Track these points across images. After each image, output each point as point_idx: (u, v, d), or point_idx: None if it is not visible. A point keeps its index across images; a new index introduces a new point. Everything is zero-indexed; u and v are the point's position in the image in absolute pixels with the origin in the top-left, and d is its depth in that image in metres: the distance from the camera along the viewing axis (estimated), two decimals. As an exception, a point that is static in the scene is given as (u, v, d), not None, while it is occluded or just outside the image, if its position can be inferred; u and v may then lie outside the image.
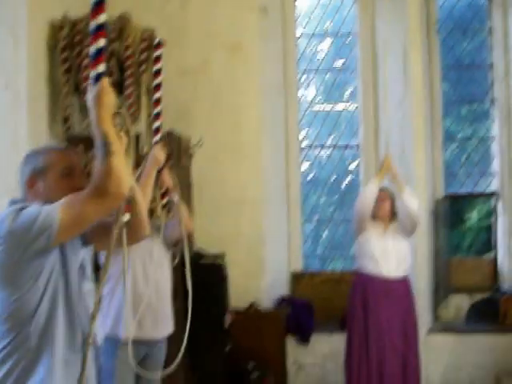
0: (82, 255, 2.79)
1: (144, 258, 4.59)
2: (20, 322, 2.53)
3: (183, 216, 4.62)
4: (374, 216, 5.81)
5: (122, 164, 2.42)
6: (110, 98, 2.46)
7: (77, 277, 2.69)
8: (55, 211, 2.45)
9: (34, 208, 2.51)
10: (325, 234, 8.26)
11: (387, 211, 5.80)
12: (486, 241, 8.09)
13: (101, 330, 4.45)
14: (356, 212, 5.88)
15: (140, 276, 4.54)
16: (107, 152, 2.39)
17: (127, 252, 4.38)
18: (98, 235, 2.83)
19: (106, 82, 2.45)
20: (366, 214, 5.75)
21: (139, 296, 4.45)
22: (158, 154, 4.55)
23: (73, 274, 2.67)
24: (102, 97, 2.42)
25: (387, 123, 7.34)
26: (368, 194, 5.78)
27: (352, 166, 8.02)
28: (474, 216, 8.50)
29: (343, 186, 8.16)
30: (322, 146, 7.97)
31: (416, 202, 5.80)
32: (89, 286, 2.78)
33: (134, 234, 2.90)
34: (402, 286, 5.67)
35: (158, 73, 4.41)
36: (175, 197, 4.59)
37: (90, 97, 2.45)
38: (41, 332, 2.54)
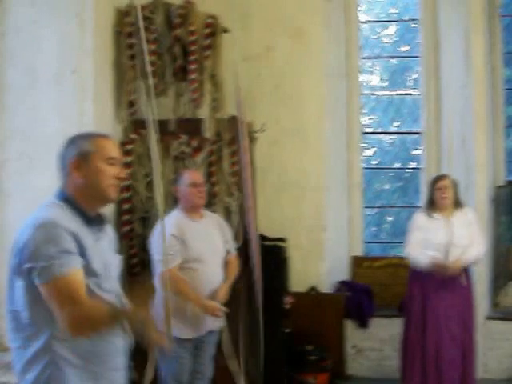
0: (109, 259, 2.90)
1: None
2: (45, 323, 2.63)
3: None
4: (436, 206, 5.79)
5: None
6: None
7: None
8: (49, 277, 2.55)
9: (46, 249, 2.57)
10: (387, 220, 8.27)
11: (448, 202, 5.75)
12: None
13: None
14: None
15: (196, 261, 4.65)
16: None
17: None
18: None
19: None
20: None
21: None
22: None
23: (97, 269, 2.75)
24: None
25: (449, 109, 7.29)
26: (420, 263, 5.73)
27: (415, 153, 8.00)
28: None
29: (406, 172, 8.16)
30: (385, 132, 7.97)
31: (478, 252, 5.77)
32: (113, 285, 2.88)
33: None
34: (461, 274, 5.66)
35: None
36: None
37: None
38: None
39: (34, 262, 2.54)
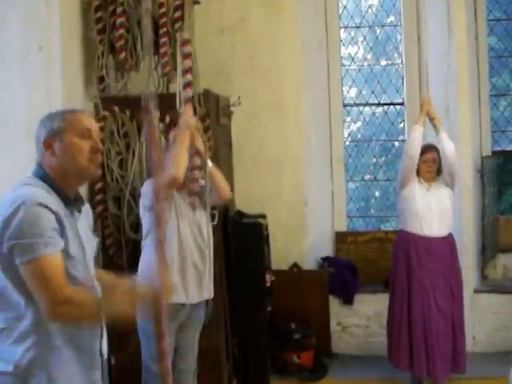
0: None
1: (189, 223, 4.51)
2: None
3: (218, 182, 4.56)
4: (418, 173, 5.65)
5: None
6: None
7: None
8: (32, 256, 2.46)
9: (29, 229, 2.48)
10: (369, 195, 8.14)
11: (433, 175, 5.66)
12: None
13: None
14: (404, 162, 5.72)
15: (184, 239, 4.47)
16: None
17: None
18: None
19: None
20: (414, 162, 5.58)
21: (185, 259, 4.42)
22: (189, 118, 4.49)
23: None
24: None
25: (432, 79, 7.12)
26: (414, 140, 5.61)
27: (398, 126, 7.85)
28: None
29: (388, 145, 8.01)
30: (366, 104, 7.80)
31: (452, 146, 5.65)
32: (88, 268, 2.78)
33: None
34: (446, 245, 5.54)
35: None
36: (208, 163, 4.52)
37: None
38: None
39: (17, 240, 2.45)
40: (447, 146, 5.57)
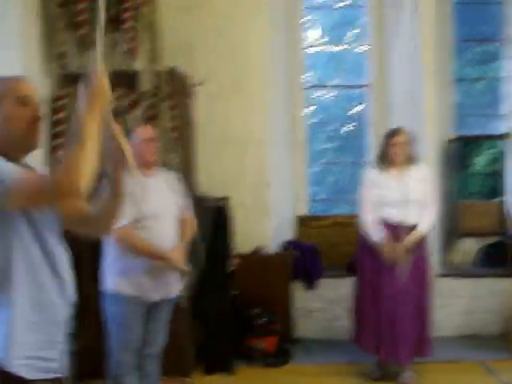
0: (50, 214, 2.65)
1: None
2: None
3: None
4: (389, 161, 5.55)
5: (85, 161, 2.29)
6: (107, 96, 2.42)
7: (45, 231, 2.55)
8: (7, 182, 2.31)
9: None
10: (329, 178, 8.09)
11: (401, 158, 5.49)
12: (495, 184, 7.91)
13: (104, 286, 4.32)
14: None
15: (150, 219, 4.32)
16: (75, 148, 2.29)
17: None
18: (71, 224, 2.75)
19: (105, 80, 2.41)
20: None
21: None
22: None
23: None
24: (99, 94, 2.37)
25: (396, 62, 7.05)
26: (369, 234, 5.54)
27: (357, 109, 7.79)
28: (482, 158, 8.33)
29: (347, 129, 7.96)
30: (329, 87, 7.72)
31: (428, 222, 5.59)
32: (57, 240, 2.63)
33: (97, 229, 2.90)
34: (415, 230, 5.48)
35: None
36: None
37: (85, 88, 2.38)
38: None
39: None
40: (426, 228, 5.54)
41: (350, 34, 7.72)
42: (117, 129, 2.57)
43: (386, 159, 5.55)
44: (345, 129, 7.95)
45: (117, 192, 2.70)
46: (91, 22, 5.12)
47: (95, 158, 2.33)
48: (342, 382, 5.72)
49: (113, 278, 4.28)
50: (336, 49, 7.67)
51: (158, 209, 4.33)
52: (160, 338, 4.49)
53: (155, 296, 4.31)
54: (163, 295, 4.37)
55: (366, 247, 5.63)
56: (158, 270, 4.27)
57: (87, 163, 2.29)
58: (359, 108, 7.80)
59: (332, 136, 7.97)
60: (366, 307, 5.60)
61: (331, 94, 7.77)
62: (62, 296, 2.56)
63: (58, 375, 2.57)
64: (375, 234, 5.47)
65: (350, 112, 7.89)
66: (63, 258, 2.60)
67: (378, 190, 5.49)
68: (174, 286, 4.44)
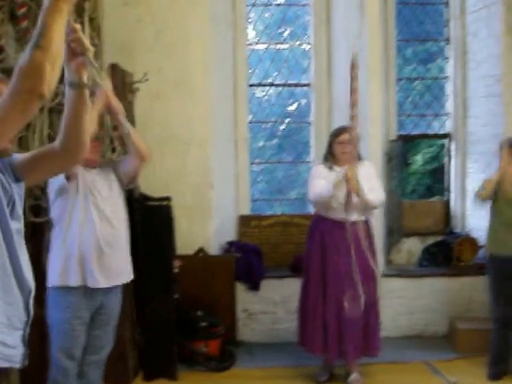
0: (12, 192, 2.49)
1: (96, 199, 4.19)
2: None
3: (137, 141, 4.25)
4: (335, 159, 5.48)
5: (50, 60, 2.05)
6: None
7: (6, 214, 2.42)
8: None
9: None
10: (269, 177, 7.99)
11: (349, 157, 5.36)
12: (438, 183, 7.94)
13: (49, 278, 4.13)
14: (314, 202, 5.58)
15: (91, 217, 4.14)
16: (34, 44, 2.04)
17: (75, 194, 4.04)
18: (31, 168, 2.57)
19: None
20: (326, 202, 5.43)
21: (92, 240, 4.11)
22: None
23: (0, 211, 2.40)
24: None
25: (341, 61, 6.99)
26: (323, 194, 5.41)
27: (298, 108, 7.71)
28: (425, 157, 8.35)
29: (287, 127, 7.87)
30: (272, 85, 7.61)
31: (379, 198, 5.54)
32: (18, 225, 2.49)
33: (69, 156, 2.56)
34: (362, 229, 5.40)
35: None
36: (125, 123, 4.20)
37: None
38: None
39: None
40: (374, 199, 5.43)
41: (293, 32, 7.63)
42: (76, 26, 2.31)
43: (332, 157, 5.49)
44: (286, 127, 7.85)
45: (82, 98, 2.41)
46: (31, 16, 4.91)
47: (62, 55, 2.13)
48: (286, 385, 5.64)
49: (57, 268, 4.10)
50: (278, 47, 7.55)
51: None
52: (107, 343, 4.32)
53: (102, 283, 4.13)
54: (110, 282, 4.19)
55: (312, 245, 5.57)
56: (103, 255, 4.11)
57: (54, 59, 2.06)
58: (300, 106, 7.71)
59: (272, 135, 7.86)
60: (314, 308, 5.51)
61: (272, 92, 7.66)
62: (20, 282, 2.45)
63: (14, 364, 2.45)
64: (326, 185, 5.36)
65: (291, 110, 7.79)
66: (21, 241, 2.49)
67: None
68: (122, 273, 4.28)
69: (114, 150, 5.17)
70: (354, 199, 5.28)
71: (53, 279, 4.12)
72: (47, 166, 2.63)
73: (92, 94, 4.08)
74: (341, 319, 5.40)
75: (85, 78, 2.37)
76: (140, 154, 4.26)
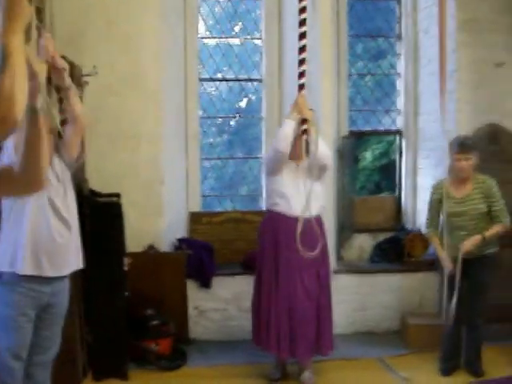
0: None
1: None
2: None
3: (74, 105, 4.09)
4: (291, 155, 5.42)
5: (17, 84, 1.92)
6: (26, 7, 1.98)
7: None
8: None
9: None
10: (220, 173, 7.92)
11: (301, 149, 5.38)
12: (387, 179, 7.96)
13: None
14: (271, 155, 5.47)
15: (43, 207, 4.00)
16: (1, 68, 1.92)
17: None
18: None
19: None
20: (282, 157, 5.34)
21: (42, 230, 3.96)
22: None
23: None
24: (17, 3, 1.95)
25: (293, 56, 6.93)
26: (284, 135, 5.33)
27: (249, 103, 7.65)
28: (376, 154, 8.37)
29: (237, 123, 7.81)
30: (223, 80, 7.53)
31: (327, 151, 5.48)
32: None
33: (26, 181, 2.43)
34: (314, 226, 5.36)
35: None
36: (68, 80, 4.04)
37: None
38: None
39: None
40: (322, 151, 5.36)
41: (244, 26, 7.55)
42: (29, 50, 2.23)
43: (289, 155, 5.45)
44: (236, 123, 7.79)
45: (35, 123, 2.32)
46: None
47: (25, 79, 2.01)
48: (240, 384, 5.58)
49: (6, 255, 3.95)
50: (229, 41, 7.46)
51: None
52: (54, 342, 4.18)
53: (51, 272, 3.99)
54: (60, 271, 4.06)
55: (265, 241, 5.52)
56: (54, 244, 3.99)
57: (17, 85, 1.92)
58: (251, 102, 7.65)
59: (223, 130, 7.80)
60: (267, 305, 5.44)
61: (223, 88, 7.57)
62: None
63: None
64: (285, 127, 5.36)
65: (242, 106, 7.73)
66: None
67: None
68: (72, 263, 4.16)
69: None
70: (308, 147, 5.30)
71: (1, 265, 3.97)
72: (3, 187, 2.55)
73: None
74: (293, 317, 5.36)
75: (39, 103, 2.27)
76: (76, 117, 4.11)
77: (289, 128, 5.33)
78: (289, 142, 5.32)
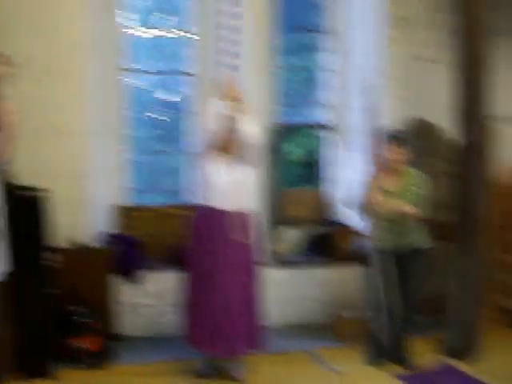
0: None
1: None
2: None
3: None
4: (218, 148, 5.39)
5: None
6: None
7: None
8: None
9: None
10: (147, 167, 7.82)
11: (232, 142, 5.37)
12: (314, 173, 7.98)
13: None
14: (204, 134, 5.43)
15: None
16: None
17: None
18: None
19: None
20: (215, 134, 5.32)
21: None
22: None
23: None
24: None
25: (223, 50, 6.88)
26: (210, 114, 5.33)
27: (178, 97, 7.57)
28: (304, 147, 8.37)
29: (167, 117, 7.72)
30: (154, 73, 7.42)
31: (255, 129, 5.46)
32: None
33: None
34: (246, 219, 5.34)
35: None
36: None
37: None
38: None
39: None
40: (250, 130, 5.34)
41: (177, 19, 7.45)
42: None
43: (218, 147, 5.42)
44: (166, 118, 7.69)
45: None
46: None
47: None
48: (170, 381, 5.51)
49: None
50: (160, 34, 7.35)
51: None
52: None
53: None
54: None
55: (195, 236, 5.47)
56: None
57: None
58: (180, 96, 7.56)
59: (152, 125, 7.68)
60: (200, 302, 5.40)
61: (152, 81, 7.47)
62: None
63: None
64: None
65: (171, 100, 7.64)
66: None
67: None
68: None
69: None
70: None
71: None
72: None
73: None
74: (225, 313, 5.34)
75: None
76: (8, 125, 4.01)
77: (214, 106, 5.29)
78: (216, 120, 5.28)
